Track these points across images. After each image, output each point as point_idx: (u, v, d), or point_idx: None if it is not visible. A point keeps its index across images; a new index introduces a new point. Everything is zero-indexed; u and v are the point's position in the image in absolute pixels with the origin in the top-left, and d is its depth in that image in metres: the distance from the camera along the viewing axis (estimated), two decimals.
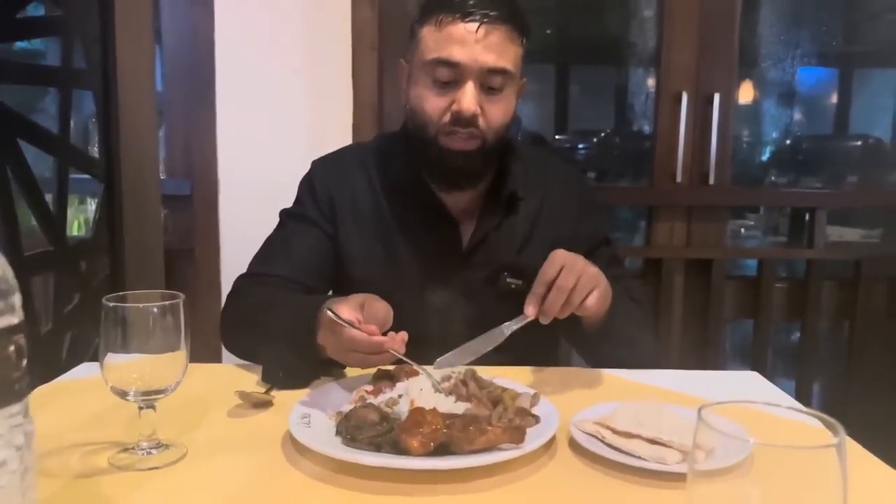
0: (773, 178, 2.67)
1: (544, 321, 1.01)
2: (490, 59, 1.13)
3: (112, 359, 0.79)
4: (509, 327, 1.02)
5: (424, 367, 0.96)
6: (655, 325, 2.08)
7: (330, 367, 1.08)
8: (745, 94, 2.42)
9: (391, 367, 1.01)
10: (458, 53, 1.12)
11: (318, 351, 1.03)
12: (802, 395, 2.14)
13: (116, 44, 1.53)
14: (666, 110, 2.11)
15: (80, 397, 1.00)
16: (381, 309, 0.96)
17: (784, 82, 2.47)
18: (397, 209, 1.27)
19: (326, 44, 1.98)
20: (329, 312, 0.93)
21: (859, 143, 2.69)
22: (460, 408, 0.87)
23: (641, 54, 2.32)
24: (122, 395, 0.81)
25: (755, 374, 1.19)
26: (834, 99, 2.74)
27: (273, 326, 1.10)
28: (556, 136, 2.57)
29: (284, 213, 1.34)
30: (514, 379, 1.03)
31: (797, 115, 2.66)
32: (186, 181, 2.04)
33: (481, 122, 1.15)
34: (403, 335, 0.94)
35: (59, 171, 1.52)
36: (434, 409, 0.82)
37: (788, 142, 2.69)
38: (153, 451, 0.83)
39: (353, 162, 1.32)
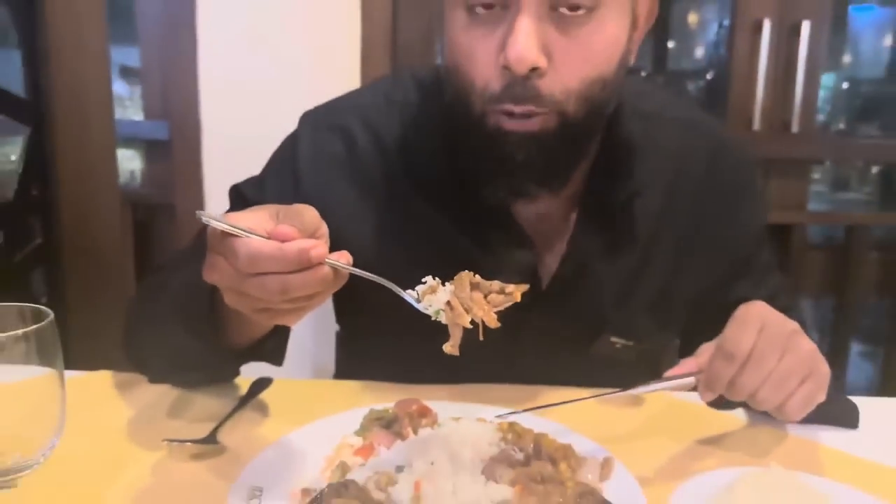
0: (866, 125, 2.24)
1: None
2: None
3: None
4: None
5: (407, 291, 0.58)
6: None
7: (260, 351, 0.75)
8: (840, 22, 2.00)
9: (388, 408, 0.69)
10: None
11: (219, 315, 0.67)
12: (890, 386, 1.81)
13: None
14: (743, 42, 1.75)
15: None
16: (309, 213, 0.55)
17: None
18: (438, 214, 0.80)
19: None
20: (205, 217, 0.53)
21: None
22: (495, 495, 0.55)
23: None
24: None
25: None
26: None
27: (161, 303, 0.75)
28: None
29: (237, 193, 0.85)
30: (576, 422, 0.71)
31: None
32: (163, 123, 1.71)
33: (547, 82, 0.67)
34: (347, 254, 0.55)
35: None
36: None
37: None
38: None
39: (363, 135, 0.83)
